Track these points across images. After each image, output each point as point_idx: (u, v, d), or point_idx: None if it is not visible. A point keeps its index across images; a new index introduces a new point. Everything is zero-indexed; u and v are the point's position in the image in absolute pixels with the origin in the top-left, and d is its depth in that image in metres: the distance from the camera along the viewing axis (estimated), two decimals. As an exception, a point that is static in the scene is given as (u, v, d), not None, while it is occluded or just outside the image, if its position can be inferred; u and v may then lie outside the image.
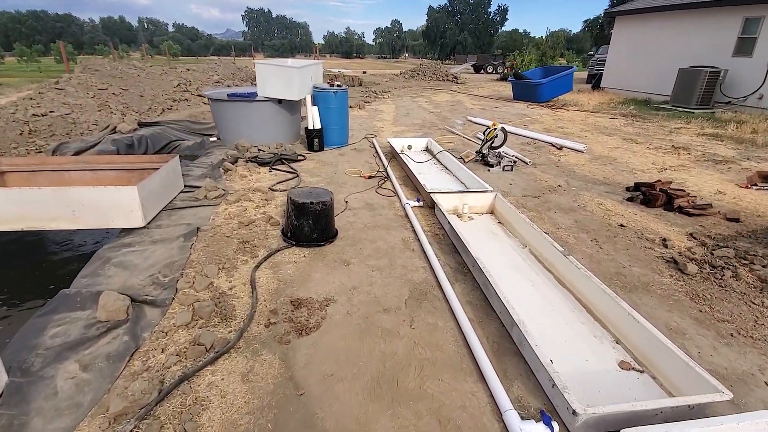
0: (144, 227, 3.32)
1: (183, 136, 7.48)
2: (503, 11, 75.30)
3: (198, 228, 3.21)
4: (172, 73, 11.46)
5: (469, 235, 3.25)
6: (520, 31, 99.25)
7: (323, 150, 5.97)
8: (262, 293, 2.42)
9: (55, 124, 6.13)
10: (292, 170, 4.90)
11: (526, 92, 12.79)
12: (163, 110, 8.99)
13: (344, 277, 2.62)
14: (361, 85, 19.09)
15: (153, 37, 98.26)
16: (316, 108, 5.75)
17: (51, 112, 6.46)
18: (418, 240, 3.14)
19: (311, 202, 2.88)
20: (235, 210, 3.66)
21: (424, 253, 2.93)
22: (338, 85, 5.93)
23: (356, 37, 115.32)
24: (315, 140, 5.81)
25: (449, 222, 3.17)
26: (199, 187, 4.18)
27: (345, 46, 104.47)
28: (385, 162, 5.25)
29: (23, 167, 4.02)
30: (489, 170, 5.13)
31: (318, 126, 5.79)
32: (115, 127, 6.93)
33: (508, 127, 6.60)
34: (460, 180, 4.63)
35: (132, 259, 2.80)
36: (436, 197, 3.64)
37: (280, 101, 5.79)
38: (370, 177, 4.72)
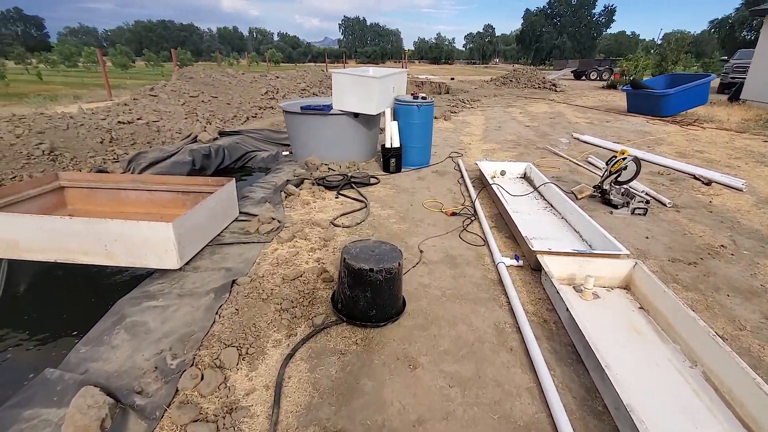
0: (179, 269, 2.81)
1: (261, 146, 7.25)
2: (610, 12, 68.77)
3: (234, 281, 2.59)
4: (262, 81, 11.62)
5: (597, 330, 2.21)
6: (628, 33, 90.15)
7: (400, 171, 5.19)
8: (286, 412, 1.67)
9: (138, 132, 6.17)
10: (360, 198, 4.18)
11: (645, 104, 10.82)
12: (248, 118, 8.96)
13: (407, 394, 1.77)
14: (447, 92, 18.13)
15: (260, 45, 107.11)
16: (396, 123, 5.00)
17: (139, 119, 6.57)
18: (519, 329, 2.18)
19: (371, 269, 2.08)
20: (286, 252, 3.01)
21: (529, 358, 1.97)
22: (423, 98, 5.11)
23: (446, 42, 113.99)
24: (392, 160, 5.06)
25: (565, 306, 2.16)
26: (255, 215, 3.64)
27: (434, 52, 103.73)
28: (473, 193, 4.30)
29: (82, 183, 3.82)
30: (612, 212, 3.92)
31: (396, 144, 5.02)
32: (196, 136, 6.88)
33: (631, 150, 5.22)
34: (573, 227, 3.51)
35: (148, 321, 2.25)
36: (545, 260, 2.63)
37: (356, 115, 5.14)
38: (453, 214, 3.82)
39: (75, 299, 3.30)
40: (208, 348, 2.00)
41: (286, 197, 4.15)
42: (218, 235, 3.34)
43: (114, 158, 5.31)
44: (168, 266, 2.76)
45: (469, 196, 4.31)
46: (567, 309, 2.15)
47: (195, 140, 6.89)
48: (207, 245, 3.15)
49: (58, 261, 2.85)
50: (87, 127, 5.48)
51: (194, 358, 1.94)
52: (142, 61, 44.21)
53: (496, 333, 2.17)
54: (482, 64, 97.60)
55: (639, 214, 3.87)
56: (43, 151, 4.63)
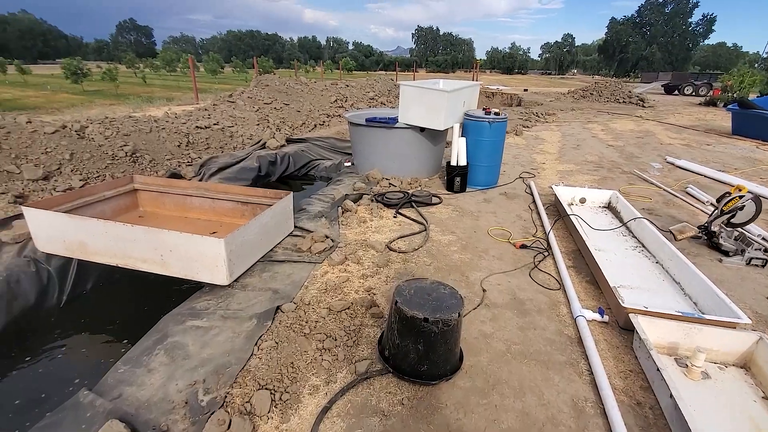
0: (228, 286, 2.73)
1: (326, 155, 7.27)
2: (709, 22, 62.09)
3: (278, 307, 2.44)
4: (332, 89, 11.81)
5: (708, 425, 1.73)
6: (729, 45, 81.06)
7: (465, 191, 4.84)
8: (314, 486, 1.44)
9: (213, 136, 6.42)
10: (420, 220, 3.91)
11: (755, 127, 9.39)
12: (315, 126, 9.09)
13: (459, 483, 1.46)
14: (519, 104, 17.31)
15: (335, 54, 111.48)
16: (464, 140, 4.67)
17: (215, 124, 6.86)
18: (604, 413, 1.76)
19: (426, 319, 1.80)
20: (336, 277, 2.82)
21: (618, 457, 1.56)
22: (495, 113, 4.74)
23: (520, 52, 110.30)
24: (456, 179, 4.73)
25: (667, 388, 1.71)
26: (310, 231, 3.52)
27: (507, 62, 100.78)
28: (547, 223, 3.84)
29: (153, 187, 3.95)
30: (721, 261, 3.26)
31: (463, 162, 4.69)
32: (265, 142, 7.06)
33: (750, 186, 4.39)
34: (672, 276, 2.95)
35: (188, 344, 2.15)
36: (639, 321, 2.16)
37: (422, 129, 4.89)
38: (522, 246, 3.41)
39: (137, 302, 3.38)
40: (242, 386, 1.84)
41: (342, 213, 4.00)
42: (271, 250, 3.24)
43: (188, 161, 5.54)
44: (218, 282, 2.69)
45: (542, 226, 3.86)
46: (670, 394, 1.71)
47: (264, 146, 7.06)
48: (259, 260, 3.06)
49: (120, 265, 2.91)
50: (168, 130, 5.79)
51: (226, 396, 1.78)
52: (230, 68, 47.71)
53: (574, 414, 1.77)
54: (558, 74, 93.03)
55: (757, 266, 3.18)
56: (126, 153, 4.92)
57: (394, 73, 44.92)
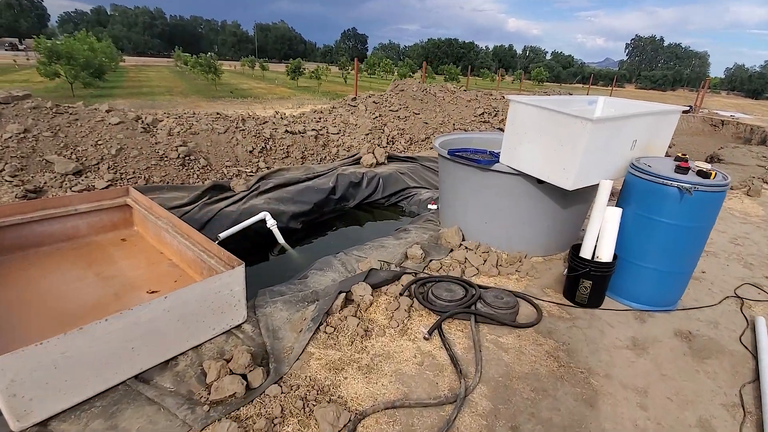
0: (4, 441, 1.49)
1: (433, 182, 5.65)
2: None
3: None
4: (482, 100, 9.94)
5: None
6: None
7: (599, 306, 2.60)
8: None
9: (300, 143, 5.52)
10: (465, 366, 1.99)
11: None
12: (443, 142, 7.48)
13: None
14: (764, 143, 11.97)
15: (530, 63, 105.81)
16: (618, 213, 2.45)
17: (313, 129, 5.98)
18: None
19: None
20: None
21: None
22: (702, 173, 2.35)
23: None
24: (585, 283, 2.53)
25: None
26: (239, 338, 2.05)
27: (755, 83, 77.29)
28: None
29: (142, 206, 3.08)
30: None
31: (607, 255, 2.47)
32: (360, 157, 5.84)
33: None
34: None
35: None
36: None
37: (540, 180, 2.82)
38: None
39: None
40: None
41: (343, 305, 2.37)
42: (171, 359, 1.90)
43: (253, 171, 4.72)
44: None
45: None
46: None
47: (358, 162, 5.87)
48: (112, 388, 1.74)
49: None
50: (247, 132, 5.09)
51: None
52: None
53: None
54: None
55: None
56: (180, 154, 4.33)
57: (590, 86, 38.70)
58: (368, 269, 2.68)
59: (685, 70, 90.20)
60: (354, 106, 7.66)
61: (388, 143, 6.64)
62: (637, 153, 2.78)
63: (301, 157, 5.36)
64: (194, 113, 5.34)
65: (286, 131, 5.56)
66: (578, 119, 2.37)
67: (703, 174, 2.35)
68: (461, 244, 3.19)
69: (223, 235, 3.45)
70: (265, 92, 20.08)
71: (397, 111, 7.86)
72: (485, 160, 2.95)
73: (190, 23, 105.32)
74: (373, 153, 5.83)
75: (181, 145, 4.39)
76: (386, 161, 5.87)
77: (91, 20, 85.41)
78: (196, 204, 3.76)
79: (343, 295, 2.40)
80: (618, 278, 2.62)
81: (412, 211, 5.10)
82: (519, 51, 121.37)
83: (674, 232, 2.42)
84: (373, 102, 7.86)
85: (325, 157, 5.60)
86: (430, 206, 4.32)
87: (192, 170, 4.35)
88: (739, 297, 2.86)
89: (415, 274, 2.76)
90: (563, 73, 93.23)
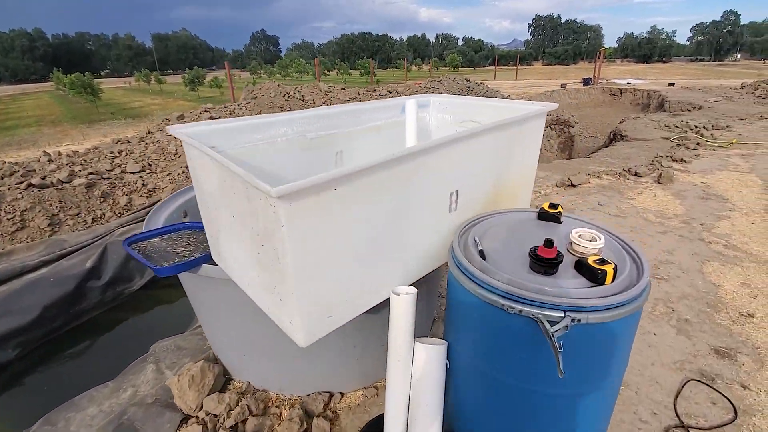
0: None
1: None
2: None
3: None
4: (365, 97, 8.51)
5: None
6: None
7: None
8: None
9: (48, 201, 3.64)
10: None
11: None
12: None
13: None
14: (662, 107, 11.80)
15: (444, 50, 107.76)
16: (441, 354, 1.01)
17: (96, 173, 4.12)
18: None
19: None
20: None
21: None
22: (588, 267, 0.97)
23: (663, 36, 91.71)
24: None
25: None
26: None
27: (645, 49, 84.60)
28: None
29: None
30: None
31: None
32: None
33: None
34: None
35: None
36: None
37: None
38: None
39: None
40: None
41: None
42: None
43: None
44: None
45: None
46: None
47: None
48: None
49: None
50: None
51: None
52: (357, 71, 47.80)
53: None
54: (714, 61, 75.10)
55: None
56: None
57: (504, 68, 39.32)
58: None
59: (583, 44, 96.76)
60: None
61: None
62: (466, 213, 1.37)
63: (49, 225, 3.49)
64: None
65: (29, 185, 3.66)
66: (259, 192, 0.87)
67: (590, 271, 0.97)
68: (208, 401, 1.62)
69: None
70: (159, 108, 17.78)
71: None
72: (183, 263, 1.39)
73: (76, 40, 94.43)
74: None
75: None
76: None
77: (-42, 50, 73.43)
78: None
79: None
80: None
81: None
82: (432, 40, 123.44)
83: (545, 403, 1.03)
84: (210, 118, 6.09)
85: (104, 214, 3.79)
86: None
87: None
88: (684, 427, 1.58)
89: None
90: (476, 57, 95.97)
